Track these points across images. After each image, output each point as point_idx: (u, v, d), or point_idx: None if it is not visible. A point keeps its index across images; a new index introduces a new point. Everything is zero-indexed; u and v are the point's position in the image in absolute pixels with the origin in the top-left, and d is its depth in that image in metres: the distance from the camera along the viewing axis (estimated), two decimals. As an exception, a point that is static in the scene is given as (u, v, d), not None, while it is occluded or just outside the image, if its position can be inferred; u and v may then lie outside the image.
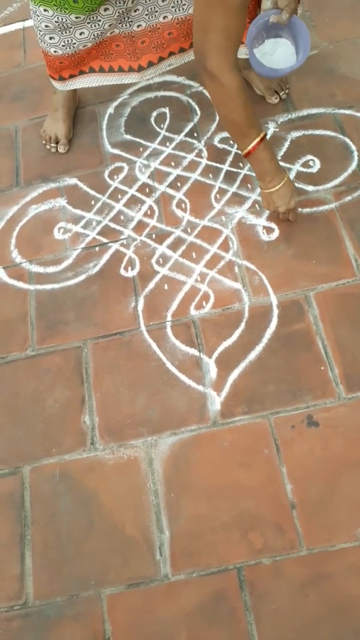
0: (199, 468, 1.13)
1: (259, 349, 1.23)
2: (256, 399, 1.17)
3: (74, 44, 1.32)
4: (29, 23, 1.93)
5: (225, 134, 1.52)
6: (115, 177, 1.53)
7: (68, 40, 1.31)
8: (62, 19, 1.24)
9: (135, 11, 1.30)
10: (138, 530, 1.09)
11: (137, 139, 1.58)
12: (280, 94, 1.55)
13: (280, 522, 1.06)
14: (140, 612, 1.03)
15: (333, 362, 1.18)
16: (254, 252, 1.34)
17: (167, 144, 1.55)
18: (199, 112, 1.58)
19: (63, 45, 1.33)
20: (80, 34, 1.30)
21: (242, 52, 1.39)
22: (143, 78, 1.46)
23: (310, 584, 1.00)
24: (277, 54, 1.28)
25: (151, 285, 1.35)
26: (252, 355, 1.22)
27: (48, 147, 1.61)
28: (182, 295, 1.32)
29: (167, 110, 1.61)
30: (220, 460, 1.13)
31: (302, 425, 1.13)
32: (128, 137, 1.59)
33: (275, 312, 1.26)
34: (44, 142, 1.62)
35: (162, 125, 1.58)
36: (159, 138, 1.56)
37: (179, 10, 1.31)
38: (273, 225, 1.36)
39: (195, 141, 1.54)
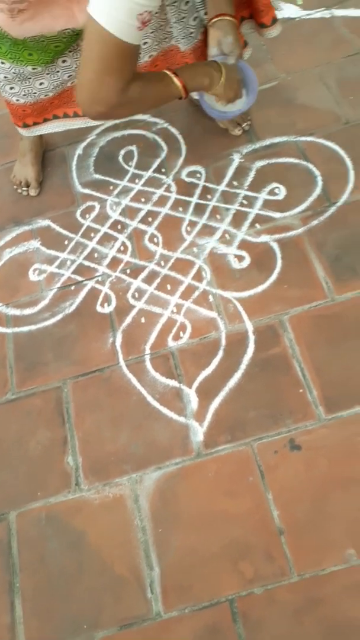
0: (185, 501, 1.12)
1: (237, 375, 1.24)
2: (238, 426, 1.18)
3: (35, 93, 1.36)
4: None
5: (192, 168, 1.56)
6: (87, 216, 1.55)
7: (28, 90, 1.35)
8: (19, 70, 1.28)
9: None
10: (127, 568, 1.08)
11: (107, 178, 1.61)
12: (243, 125, 1.60)
13: (269, 549, 1.05)
14: (135, 654, 1.01)
15: (311, 384, 1.19)
16: (227, 280, 1.36)
17: (137, 180, 1.58)
18: (165, 148, 1.62)
19: (24, 95, 1.36)
20: (40, 84, 1.34)
21: (195, 95, 1.44)
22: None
23: (304, 610, 0.99)
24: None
25: (128, 319, 1.36)
26: (232, 382, 1.23)
27: (19, 191, 1.64)
28: (159, 328, 1.33)
29: (134, 148, 1.65)
30: (205, 491, 1.13)
31: (284, 450, 1.14)
32: (98, 176, 1.62)
33: (252, 338, 1.28)
34: (15, 186, 1.65)
35: (130, 163, 1.62)
36: (128, 175, 1.60)
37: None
38: (244, 253, 1.39)
39: (163, 176, 1.57)
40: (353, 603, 0.99)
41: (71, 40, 1.23)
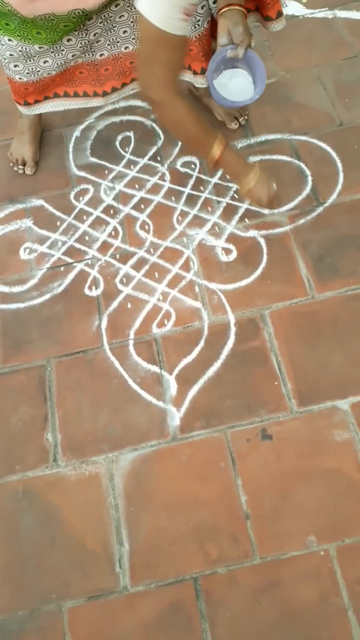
0: (159, 482, 1.17)
1: (217, 365, 1.28)
2: (214, 413, 1.22)
3: (38, 71, 1.37)
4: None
5: (187, 158, 1.59)
6: (81, 198, 1.57)
7: (32, 69, 1.36)
8: (26, 48, 1.29)
9: (97, 42, 1.36)
10: (99, 544, 1.13)
11: (103, 162, 1.63)
12: (240, 119, 1.62)
13: (235, 532, 1.10)
14: (100, 624, 1.06)
15: (286, 378, 1.24)
16: (214, 272, 1.40)
17: (132, 167, 1.60)
18: (162, 136, 1.64)
19: (27, 73, 1.37)
20: (45, 62, 1.35)
21: (200, 82, 1.46)
22: (107, 101, 1.52)
23: (263, 591, 1.05)
24: (235, 84, 1.36)
25: (115, 304, 1.39)
26: (211, 371, 1.27)
27: (15, 169, 1.65)
28: (144, 314, 1.37)
29: (131, 134, 1.67)
30: (178, 474, 1.17)
31: (256, 439, 1.19)
32: (94, 160, 1.64)
33: (233, 329, 1.31)
34: (11, 164, 1.66)
35: (127, 149, 1.64)
36: (124, 161, 1.62)
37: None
38: (231, 247, 1.42)
39: (158, 165, 1.59)
40: (309, 587, 1.04)
41: (80, 20, 1.24)
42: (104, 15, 1.29)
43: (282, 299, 1.33)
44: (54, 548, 1.13)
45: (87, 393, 1.28)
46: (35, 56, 1.33)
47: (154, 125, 1.67)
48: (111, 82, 1.47)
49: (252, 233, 1.43)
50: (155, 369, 1.29)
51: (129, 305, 1.38)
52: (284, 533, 1.09)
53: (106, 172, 1.61)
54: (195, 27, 1.33)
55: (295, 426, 1.19)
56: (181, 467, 1.18)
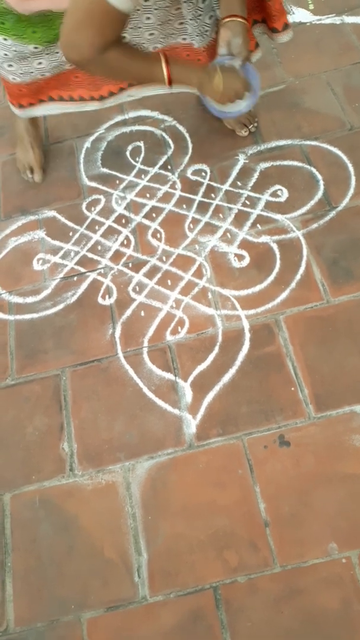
0: (176, 490, 1.16)
1: (232, 371, 1.27)
2: (230, 420, 1.21)
3: (32, 72, 1.38)
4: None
5: (197, 166, 1.59)
6: (93, 208, 1.58)
7: (26, 69, 1.37)
8: (20, 48, 1.30)
9: None
10: (117, 553, 1.12)
11: (114, 172, 1.64)
12: (250, 127, 1.62)
13: (254, 540, 1.09)
14: (120, 635, 1.05)
15: (303, 383, 1.23)
16: (227, 278, 1.39)
17: (142, 176, 1.61)
18: (172, 145, 1.65)
19: (21, 73, 1.38)
20: (39, 63, 1.36)
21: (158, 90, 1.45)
22: (104, 106, 1.52)
23: (284, 599, 1.03)
24: None
25: (128, 312, 1.39)
26: (226, 378, 1.26)
27: (24, 176, 1.68)
28: (158, 322, 1.37)
29: (142, 144, 1.68)
30: (196, 481, 1.16)
31: (274, 445, 1.17)
32: (105, 170, 1.65)
33: (247, 335, 1.31)
34: (21, 172, 1.69)
35: (137, 159, 1.65)
36: (135, 171, 1.63)
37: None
38: (244, 253, 1.42)
39: (169, 173, 1.60)
40: (331, 595, 1.02)
41: None
42: None
43: (296, 303, 1.32)
44: (72, 558, 1.13)
45: (102, 402, 1.28)
46: (29, 57, 1.33)
47: (164, 134, 1.68)
48: (108, 86, 1.48)
49: (264, 239, 1.43)
50: (169, 376, 1.29)
51: (142, 313, 1.38)
52: (304, 540, 1.08)
53: (117, 182, 1.62)
54: (203, 37, 1.34)
55: (313, 432, 1.17)
56: (198, 474, 1.17)
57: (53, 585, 1.11)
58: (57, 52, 1.33)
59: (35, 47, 1.30)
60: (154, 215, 1.53)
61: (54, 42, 1.30)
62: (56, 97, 1.51)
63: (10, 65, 1.36)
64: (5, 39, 1.29)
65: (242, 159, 1.58)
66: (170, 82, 1.22)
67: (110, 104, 1.52)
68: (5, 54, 1.33)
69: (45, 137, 1.74)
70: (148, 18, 1.26)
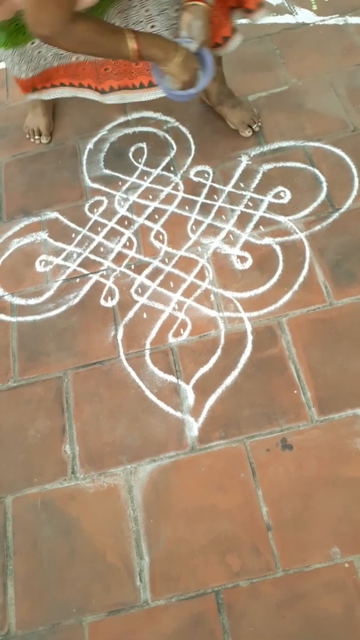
0: (178, 493, 1.15)
1: (234, 374, 1.26)
2: (232, 423, 1.21)
3: (40, 67, 1.44)
4: (11, 63, 2.00)
5: (200, 168, 1.59)
6: (95, 210, 1.58)
7: (34, 65, 1.44)
8: (21, 50, 1.37)
9: None
10: (118, 557, 1.11)
11: (116, 174, 1.63)
12: (253, 127, 1.62)
13: (256, 544, 1.08)
14: (121, 639, 1.05)
15: (305, 386, 1.22)
16: (229, 280, 1.39)
17: (145, 178, 1.61)
18: (175, 146, 1.65)
19: (32, 69, 1.45)
20: (44, 60, 1.42)
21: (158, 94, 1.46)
22: (104, 101, 1.53)
23: (286, 604, 1.02)
24: None
25: (130, 314, 1.39)
26: (228, 380, 1.26)
27: (32, 140, 1.74)
28: (160, 324, 1.36)
29: (144, 145, 1.67)
30: (198, 485, 1.16)
31: (276, 449, 1.17)
32: (107, 171, 1.65)
33: (250, 338, 1.30)
34: (27, 136, 1.75)
35: (140, 160, 1.65)
36: (137, 172, 1.62)
37: None
38: (246, 255, 1.42)
39: (171, 175, 1.60)
40: (334, 600, 1.02)
41: None
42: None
43: (299, 306, 1.32)
44: (73, 561, 1.12)
45: (105, 404, 1.27)
46: (31, 51, 1.39)
47: (167, 136, 1.68)
48: (109, 81, 1.48)
49: (267, 240, 1.43)
50: (172, 378, 1.28)
51: (145, 315, 1.38)
52: (307, 544, 1.07)
53: (120, 183, 1.62)
54: (172, 31, 1.33)
55: (315, 435, 1.17)
56: (200, 478, 1.16)
57: (55, 589, 1.11)
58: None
59: (32, 42, 1.36)
60: (156, 216, 1.53)
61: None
62: (67, 83, 1.55)
63: (20, 67, 1.44)
64: (6, 50, 1.37)
65: (244, 161, 1.57)
66: (139, 56, 1.21)
67: (110, 101, 1.52)
68: (12, 60, 1.41)
69: (48, 135, 1.76)
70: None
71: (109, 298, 1.42)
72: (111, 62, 1.43)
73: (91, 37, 1.16)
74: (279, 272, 1.38)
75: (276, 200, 1.48)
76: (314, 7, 1.87)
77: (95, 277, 1.46)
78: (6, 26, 1.30)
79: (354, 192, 1.45)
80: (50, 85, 1.56)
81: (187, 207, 1.53)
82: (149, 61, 1.27)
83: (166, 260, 1.45)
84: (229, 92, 1.63)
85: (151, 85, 1.47)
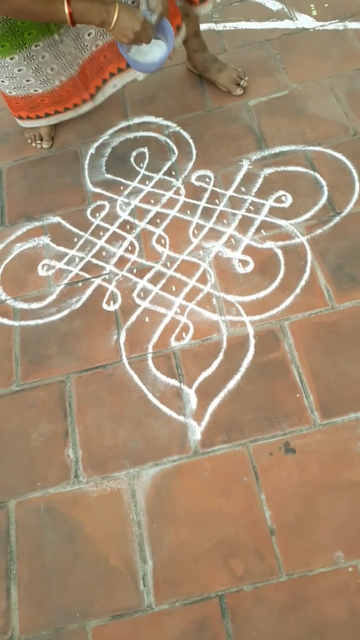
0: (181, 497, 1.15)
1: (237, 378, 1.27)
2: (235, 427, 1.21)
3: (23, 87, 1.47)
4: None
5: (202, 172, 1.59)
6: (97, 215, 1.58)
7: (17, 84, 1.48)
8: (2, 62, 1.40)
9: (70, 54, 1.45)
10: (122, 561, 1.11)
11: (118, 178, 1.64)
12: (241, 83, 1.71)
13: (260, 548, 1.08)
14: (125, 644, 1.04)
15: (308, 390, 1.22)
16: (231, 284, 1.39)
17: (147, 182, 1.61)
18: (176, 151, 1.65)
19: (14, 88, 1.49)
20: (27, 81, 1.46)
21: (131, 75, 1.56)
22: (96, 103, 1.64)
23: (290, 609, 1.02)
24: (153, 53, 1.39)
25: (133, 318, 1.39)
26: (231, 384, 1.26)
27: (34, 145, 1.77)
28: (162, 328, 1.36)
29: (146, 150, 1.68)
30: (201, 489, 1.16)
31: (279, 453, 1.17)
32: (109, 176, 1.65)
33: (252, 341, 1.30)
34: (29, 141, 1.77)
35: (141, 165, 1.65)
36: (139, 177, 1.63)
37: (106, 35, 1.44)
38: (248, 259, 1.42)
39: (173, 179, 1.60)
40: (338, 604, 1.02)
41: (43, 29, 1.35)
42: (66, 28, 1.38)
43: (301, 309, 1.32)
44: (77, 565, 1.12)
45: (107, 408, 1.28)
46: (11, 68, 1.41)
47: (168, 140, 1.68)
48: (93, 82, 1.57)
49: (268, 244, 1.43)
50: (174, 382, 1.28)
51: (147, 319, 1.38)
52: (311, 549, 1.07)
53: (121, 188, 1.62)
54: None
55: (318, 439, 1.17)
56: (203, 482, 1.16)
57: (58, 593, 1.10)
58: (34, 57, 1.41)
59: (12, 58, 1.39)
60: (158, 221, 1.53)
61: (28, 47, 1.37)
62: (52, 112, 1.62)
63: (2, 81, 1.47)
64: (12, 58, 1.39)
65: (246, 165, 1.58)
66: (72, 21, 1.22)
67: (101, 99, 1.63)
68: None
69: (50, 140, 1.77)
70: None
71: (111, 302, 1.42)
72: (88, 66, 1.51)
73: (27, 5, 1.17)
74: (280, 275, 1.38)
75: (277, 205, 1.49)
76: (314, 13, 1.88)
77: (97, 281, 1.46)
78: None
79: (355, 196, 1.46)
80: (35, 116, 1.63)
81: (188, 212, 1.53)
82: (87, 24, 1.28)
83: (168, 264, 1.46)
84: (213, 57, 1.72)
85: (120, 70, 1.56)
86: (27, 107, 1.56)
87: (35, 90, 1.48)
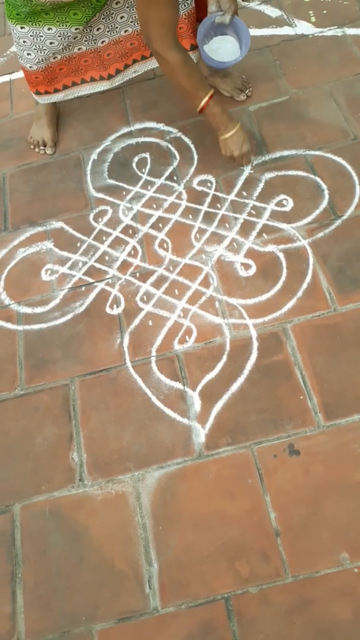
0: (186, 500, 1.16)
1: (240, 380, 1.27)
2: (239, 429, 1.21)
3: (44, 50, 1.49)
4: (15, 75, 2.03)
5: (203, 177, 1.61)
6: (100, 219, 1.59)
7: (43, 56, 1.50)
8: (37, 32, 1.44)
9: (97, 30, 1.48)
10: (127, 564, 1.11)
11: (120, 184, 1.65)
12: (246, 91, 1.74)
13: (265, 550, 1.08)
14: (131, 646, 1.04)
15: (311, 391, 1.23)
16: (233, 287, 1.40)
17: (149, 187, 1.62)
18: (178, 156, 1.67)
19: (37, 62, 1.52)
20: (51, 43, 1.47)
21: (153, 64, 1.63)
22: (113, 84, 1.67)
23: (296, 610, 1.02)
24: (224, 49, 1.53)
25: (136, 321, 1.40)
26: (234, 386, 1.27)
27: (37, 150, 1.78)
28: (165, 331, 1.37)
29: (147, 155, 1.69)
30: (205, 491, 1.16)
31: (283, 454, 1.17)
32: (111, 181, 1.67)
33: (255, 344, 1.31)
34: (32, 147, 1.79)
35: (143, 170, 1.66)
36: (141, 182, 1.64)
37: (137, 23, 1.48)
38: (250, 262, 1.43)
39: (175, 184, 1.61)
40: (344, 605, 1.02)
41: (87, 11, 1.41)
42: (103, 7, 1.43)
43: (303, 312, 1.33)
44: (82, 569, 1.12)
45: (111, 411, 1.28)
46: (44, 39, 1.45)
47: (170, 146, 1.70)
48: (114, 65, 1.61)
49: (270, 248, 1.44)
50: (178, 385, 1.29)
51: (150, 323, 1.39)
52: (316, 550, 1.07)
53: (124, 193, 1.63)
54: (184, 6, 1.46)
55: (322, 440, 1.17)
56: (208, 484, 1.17)
57: (64, 597, 1.10)
58: (67, 22, 1.43)
59: (49, 29, 1.43)
60: (160, 225, 1.54)
61: (91, 19, 1.44)
62: (69, 83, 1.64)
63: (29, 54, 1.51)
64: (22, 27, 1.43)
65: (247, 169, 1.59)
66: (201, 111, 1.43)
67: (119, 82, 1.67)
68: (24, 41, 1.47)
69: (53, 146, 1.78)
70: None
71: (115, 306, 1.43)
72: (112, 47, 1.55)
73: (178, 72, 1.36)
74: (282, 278, 1.39)
75: (279, 208, 1.50)
76: (313, 19, 1.90)
77: (100, 286, 1.47)
78: (31, 1, 1.36)
79: (356, 200, 1.47)
80: (53, 90, 1.65)
81: (190, 216, 1.54)
82: (208, 119, 1.46)
83: (171, 268, 1.46)
84: None
85: (144, 58, 1.63)
86: (45, 80, 1.60)
87: (55, 58, 1.52)
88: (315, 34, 1.86)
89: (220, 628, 1.03)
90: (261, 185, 1.55)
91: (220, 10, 1.43)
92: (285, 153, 1.61)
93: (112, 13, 1.47)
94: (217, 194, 1.57)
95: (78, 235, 1.58)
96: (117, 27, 1.50)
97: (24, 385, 1.35)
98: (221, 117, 1.44)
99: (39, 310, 1.46)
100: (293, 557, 1.07)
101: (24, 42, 1.47)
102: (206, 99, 1.40)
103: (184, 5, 1.47)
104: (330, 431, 1.18)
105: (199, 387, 1.27)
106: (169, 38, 1.31)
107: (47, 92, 1.66)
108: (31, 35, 1.44)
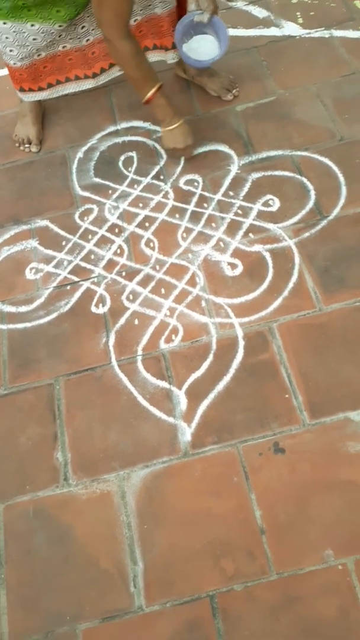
0: (171, 499, 1.15)
1: (226, 379, 1.27)
2: (225, 428, 1.21)
3: (28, 46, 1.48)
4: None
5: (190, 176, 1.61)
6: (86, 218, 1.59)
7: (27, 52, 1.50)
8: (19, 28, 1.43)
9: (82, 28, 1.49)
10: (112, 563, 1.11)
11: (106, 182, 1.65)
12: (233, 91, 1.74)
13: (250, 548, 1.08)
14: (116, 646, 1.04)
15: (297, 390, 1.23)
16: (220, 286, 1.40)
17: (135, 186, 1.62)
18: (164, 155, 1.66)
19: (20, 59, 1.51)
20: (34, 39, 1.47)
21: (172, 57, 1.62)
22: (98, 83, 1.66)
23: (281, 607, 1.03)
24: (204, 48, 1.53)
25: (122, 320, 1.39)
26: (220, 385, 1.27)
27: (22, 148, 1.76)
28: (152, 330, 1.37)
29: (134, 154, 1.69)
30: (191, 490, 1.16)
31: (269, 453, 1.18)
32: (97, 180, 1.66)
33: (241, 343, 1.31)
34: (17, 144, 1.77)
35: (129, 169, 1.66)
36: (127, 181, 1.63)
37: None
38: (237, 261, 1.43)
39: (161, 183, 1.61)
40: (328, 602, 1.02)
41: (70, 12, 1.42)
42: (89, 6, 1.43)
43: (289, 311, 1.33)
44: (67, 568, 1.11)
45: (97, 410, 1.27)
46: (27, 35, 1.45)
47: (156, 145, 1.69)
48: (99, 63, 1.61)
49: (257, 247, 1.44)
50: (164, 384, 1.29)
51: (136, 322, 1.38)
52: (301, 547, 1.08)
53: (110, 191, 1.63)
54: (165, 5, 1.47)
55: (308, 439, 1.18)
56: (194, 483, 1.17)
57: (48, 597, 1.10)
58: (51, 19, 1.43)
59: (32, 25, 1.42)
60: (147, 224, 1.54)
61: (75, 17, 1.45)
62: (54, 81, 1.63)
63: (11, 50, 1.50)
64: (4, 23, 1.41)
65: (233, 169, 1.60)
66: (146, 102, 1.45)
67: (104, 80, 1.67)
68: (7, 37, 1.46)
69: (38, 144, 1.77)
70: None
71: (100, 305, 1.43)
72: (97, 46, 1.54)
73: (127, 60, 1.37)
74: (269, 278, 1.39)
75: (265, 208, 1.51)
76: (300, 21, 1.91)
77: (86, 284, 1.46)
78: None
79: (342, 200, 1.48)
80: (37, 88, 1.64)
81: (177, 215, 1.54)
82: (152, 113, 1.50)
83: (157, 267, 1.46)
84: None
85: None
86: (30, 77, 1.59)
87: (39, 55, 1.52)
88: (303, 36, 1.87)
89: (205, 626, 1.03)
90: (248, 185, 1.56)
91: (199, 9, 1.44)
92: (272, 153, 1.61)
93: None
94: (204, 193, 1.57)
95: (63, 233, 1.57)
96: None
97: (7, 384, 1.34)
98: (167, 110, 1.47)
99: (23, 309, 1.45)
100: (278, 555, 1.07)
101: (7, 38, 1.46)
102: (153, 90, 1.42)
103: (166, 4, 1.48)
104: (316, 429, 1.18)
105: (185, 386, 1.27)
106: (120, 27, 1.32)
107: (31, 90, 1.65)
108: (14, 31, 1.43)
